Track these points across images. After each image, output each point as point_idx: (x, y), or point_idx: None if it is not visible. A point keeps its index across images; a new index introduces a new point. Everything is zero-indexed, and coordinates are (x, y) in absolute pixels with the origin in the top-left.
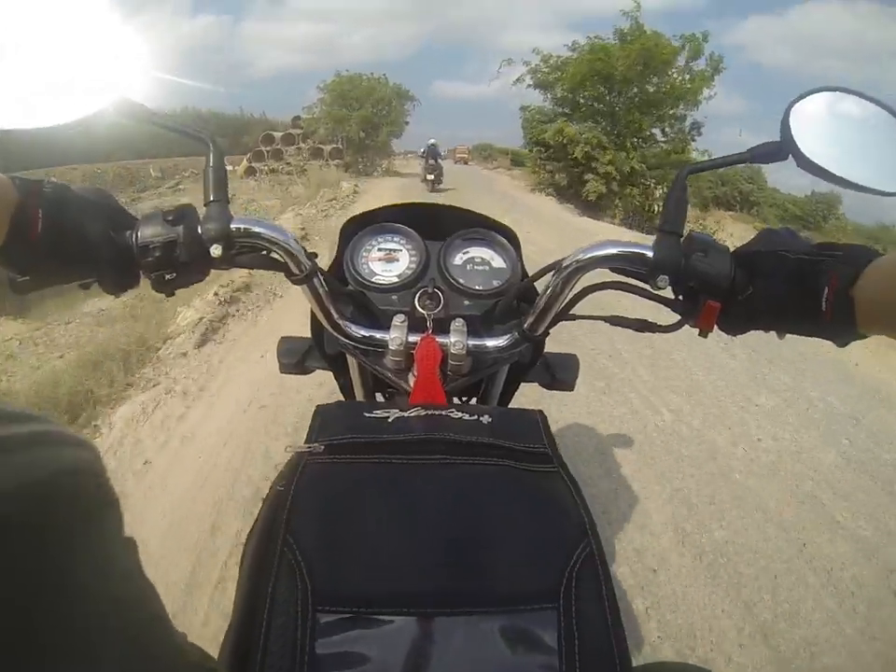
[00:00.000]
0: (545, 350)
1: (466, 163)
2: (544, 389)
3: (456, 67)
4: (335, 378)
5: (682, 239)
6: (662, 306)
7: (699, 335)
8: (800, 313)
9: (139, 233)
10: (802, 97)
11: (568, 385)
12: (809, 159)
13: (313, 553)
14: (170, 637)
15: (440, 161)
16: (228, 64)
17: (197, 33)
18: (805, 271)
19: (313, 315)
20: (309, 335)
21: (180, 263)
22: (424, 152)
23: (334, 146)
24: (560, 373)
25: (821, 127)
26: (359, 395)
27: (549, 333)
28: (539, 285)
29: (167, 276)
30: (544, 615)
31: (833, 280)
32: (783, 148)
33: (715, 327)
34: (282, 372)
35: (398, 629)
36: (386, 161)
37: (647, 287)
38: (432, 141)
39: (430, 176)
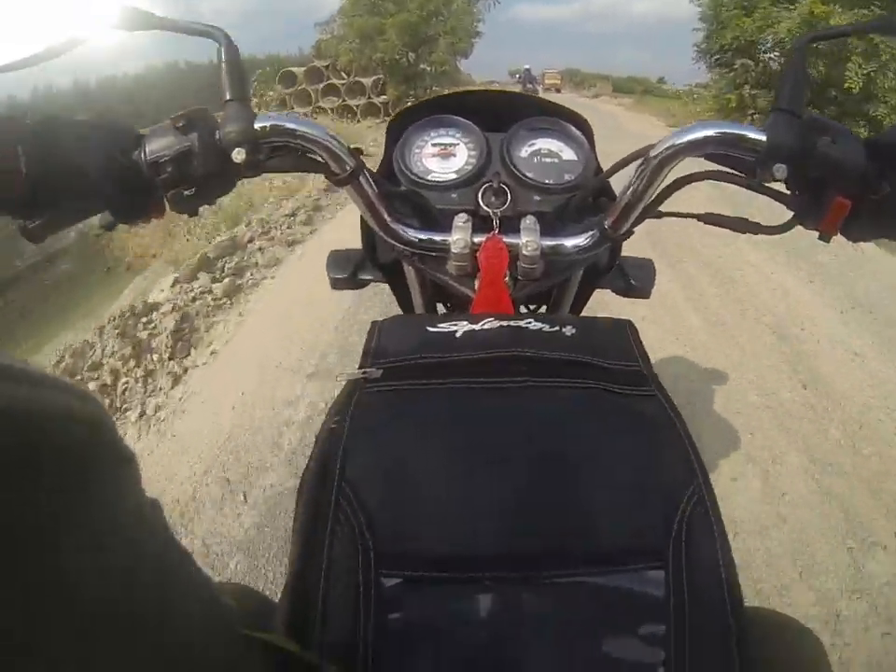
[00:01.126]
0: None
1: (558, 91)
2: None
3: None
4: (392, 290)
5: (802, 121)
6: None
7: (819, 238)
8: None
9: (147, 148)
10: None
11: (645, 293)
12: None
13: (373, 504)
14: (216, 608)
15: (536, 84)
16: (297, 6)
17: None
18: None
19: (363, 223)
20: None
21: (199, 176)
22: (520, 77)
23: (377, 76)
24: (635, 279)
25: None
26: (419, 307)
27: (633, 232)
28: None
29: (185, 193)
30: (649, 576)
31: None
32: None
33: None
34: (333, 288)
35: (474, 594)
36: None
37: (754, 179)
38: (527, 66)
39: None
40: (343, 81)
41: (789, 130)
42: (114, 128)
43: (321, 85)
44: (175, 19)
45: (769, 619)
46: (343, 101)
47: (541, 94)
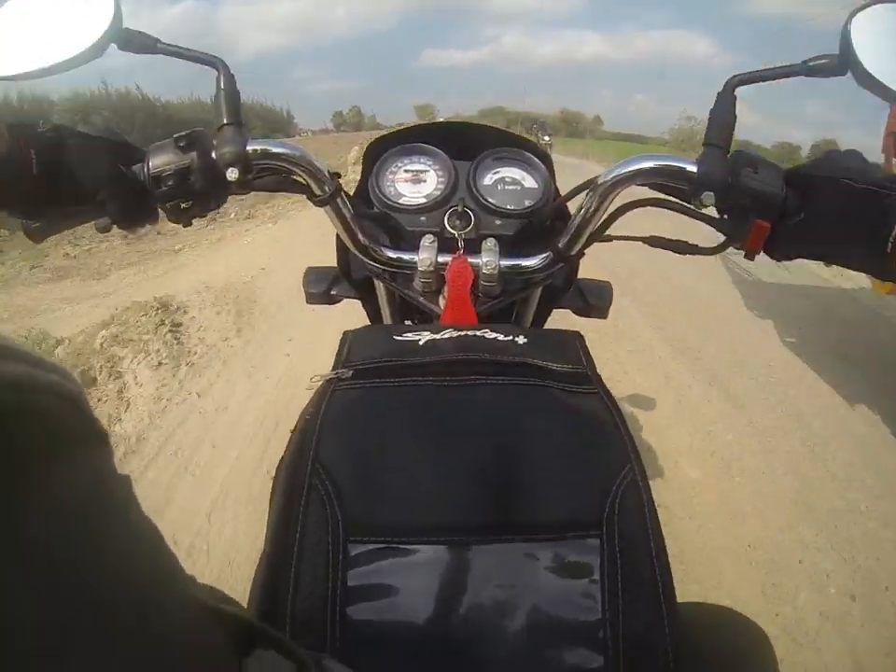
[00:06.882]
0: (578, 276)
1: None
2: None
3: (446, 35)
4: (363, 306)
5: (729, 155)
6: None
7: (745, 257)
8: (858, 248)
9: (150, 163)
10: (864, 7)
11: (602, 313)
12: (871, 74)
13: (343, 481)
14: (181, 582)
15: None
16: (211, 51)
17: (176, 21)
18: (871, 205)
19: (338, 242)
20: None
21: (195, 191)
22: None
23: None
24: (593, 300)
25: (885, 41)
26: (388, 322)
27: (584, 254)
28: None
29: (183, 205)
30: (586, 544)
31: None
32: (842, 62)
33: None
34: (308, 303)
35: (432, 558)
36: None
37: (689, 205)
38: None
39: None
40: None
41: (716, 162)
42: (118, 141)
43: None
44: (177, 45)
45: (714, 614)
46: None
47: None
